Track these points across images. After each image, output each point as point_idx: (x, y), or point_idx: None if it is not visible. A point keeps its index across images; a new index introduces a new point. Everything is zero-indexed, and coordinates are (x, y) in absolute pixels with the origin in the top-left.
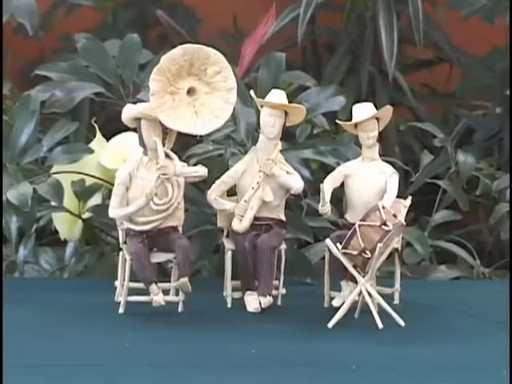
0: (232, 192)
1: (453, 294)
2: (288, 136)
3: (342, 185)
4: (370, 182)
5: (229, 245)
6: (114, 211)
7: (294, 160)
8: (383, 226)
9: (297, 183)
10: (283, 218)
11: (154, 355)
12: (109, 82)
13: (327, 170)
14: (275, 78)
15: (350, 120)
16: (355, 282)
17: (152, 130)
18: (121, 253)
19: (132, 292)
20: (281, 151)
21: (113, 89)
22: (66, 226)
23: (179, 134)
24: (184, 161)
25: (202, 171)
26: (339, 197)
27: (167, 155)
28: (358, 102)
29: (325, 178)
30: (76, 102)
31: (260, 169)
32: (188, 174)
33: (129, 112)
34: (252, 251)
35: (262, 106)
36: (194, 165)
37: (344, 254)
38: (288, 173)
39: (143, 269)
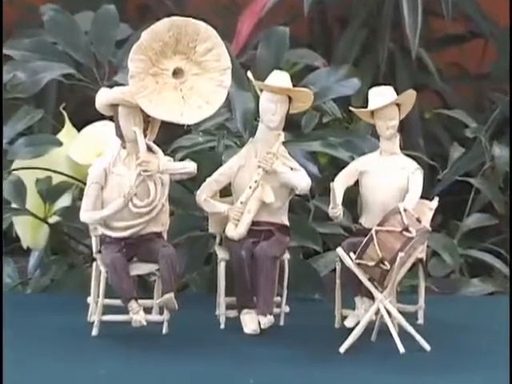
0: (226, 192)
1: (487, 312)
2: (292, 125)
3: (357, 183)
4: (389, 179)
5: (222, 254)
6: (87, 214)
7: (300, 154)
8: (405, 232)
9: (302, 181)
10: (286, 222)
11: None
12: (80, 61)
13: (339, 165)
14: (277, 56)
15: (366, 106)
16: (372, 298)
17: (131, 118)
18: (94, 264)
19: (108, 310)
20: (283, 143)
21: (85, 70)
22: (30, 231)
23: (163, 123)
24: (169, 155)
25: (190, 167)
26: (353, 197)
27: (149, 148)
28: (375, 85)
29: (336, 175)
30: (42, 85)
31: (259, 164)
32: (174, 170)
33: (104, 97)
34: (250, 262)
35: (261, 90)
36: (181, 159)
37: (358, 265)
38: (292, 169)
39: (121, 282)
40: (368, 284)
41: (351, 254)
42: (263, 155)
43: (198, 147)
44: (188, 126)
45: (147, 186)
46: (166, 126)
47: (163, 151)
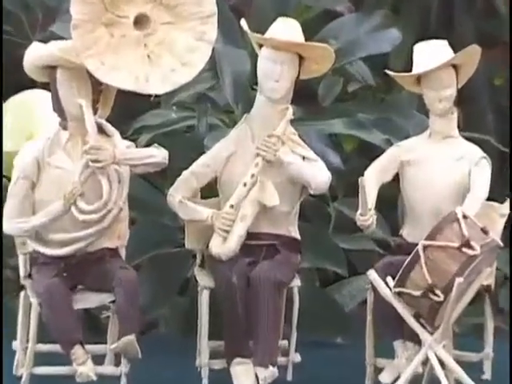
0: (210, 191)
1: None
2: (305, 96)
3: (396, 179)
4: (442, 173)
5: (205, 280)
6: (12, 223)
7: (316, 137)
8: (464, 249)
9: (319, 176)
10: (296, 234)
11: None
12: (3, 5)
13: (371, 153)
14: None
15: (409, 69)
16: (418, 342)
17: (75, 86)
18: (22, 293)
19: (42, 359)
20: (292, 122)
21: (11, 18)
22: None
23: (121, 93)
24: (130, 138)
25: (158, 156)
26: (391, 199)
27: (101, 129)
28: (422, 39)
29: (367, 167)
30: None
31: (258, 152)
32: (136, 159)
33: (36, 56)
34: (244, 291)
35: (260, 46)
36: (147, 145)
37: (399, 294)
38: (305, 159)
39: (60, 320)
40: (412, 322)
41: (389, 279)
42: (263, 139)
43: (171, 127)
44: (156, 96)
45: (98, 182)
46: (124, 97)
47: (122, 133)
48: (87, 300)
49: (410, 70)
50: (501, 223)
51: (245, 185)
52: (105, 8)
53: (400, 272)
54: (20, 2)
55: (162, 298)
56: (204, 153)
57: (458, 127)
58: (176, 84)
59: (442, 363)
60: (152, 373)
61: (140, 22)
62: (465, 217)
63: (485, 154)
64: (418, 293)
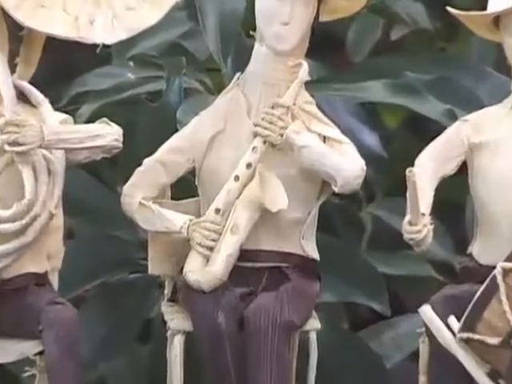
0: (186, 189)
1: None
2: (328, 48)
3: (463, 170)
4: None
5: (177, 320)
6: None
7: (343, 107)
8: None
9: (348, 166)
10: (313, 253)
11: None
12: None
13: (424, 131)
14: None
15: (483, 7)
16: None
17: None
18: None
19: None
20: (307, 85)
21: None
22: None
23: (53, 42)
24: (66, 110)
25: (108, 135)
26: (456, 201)
27: (22, 96)
28: None
29: (419, 152)
30: None
31: (256, 130)
32: (74, 141)
33: None
34: (236, 336)
35: None
36: (90, 121)
37: (467, 342)
38: (326, 140)
39: None
40: (486, 383)
41: (451, 319)
42: (265, 110)
43: (127, 93)
44: (105, 47)
45: (18, 175)
46: (58, 48)
47: (53, 102)
48: (2, 351)
49: (484, 8)
50: None
51: (237, 179)
52: None
53: (468, 309)
54: None
55: (113, 345)
56: (176, 131)
57: None
58: (134, 29)
59: None
60: None
61: None
62: None
63: None
64: (494, 340)
